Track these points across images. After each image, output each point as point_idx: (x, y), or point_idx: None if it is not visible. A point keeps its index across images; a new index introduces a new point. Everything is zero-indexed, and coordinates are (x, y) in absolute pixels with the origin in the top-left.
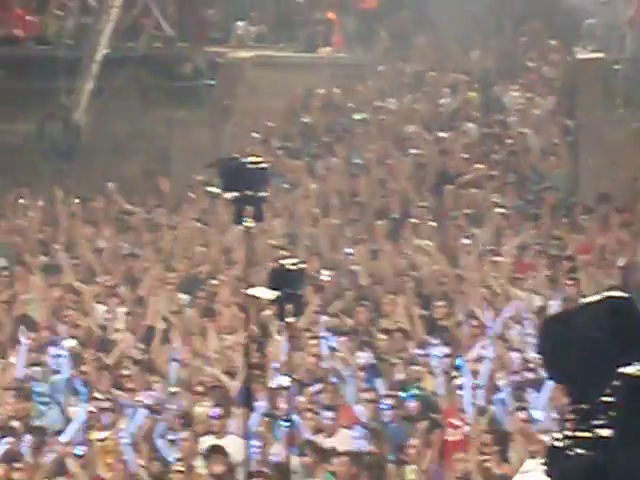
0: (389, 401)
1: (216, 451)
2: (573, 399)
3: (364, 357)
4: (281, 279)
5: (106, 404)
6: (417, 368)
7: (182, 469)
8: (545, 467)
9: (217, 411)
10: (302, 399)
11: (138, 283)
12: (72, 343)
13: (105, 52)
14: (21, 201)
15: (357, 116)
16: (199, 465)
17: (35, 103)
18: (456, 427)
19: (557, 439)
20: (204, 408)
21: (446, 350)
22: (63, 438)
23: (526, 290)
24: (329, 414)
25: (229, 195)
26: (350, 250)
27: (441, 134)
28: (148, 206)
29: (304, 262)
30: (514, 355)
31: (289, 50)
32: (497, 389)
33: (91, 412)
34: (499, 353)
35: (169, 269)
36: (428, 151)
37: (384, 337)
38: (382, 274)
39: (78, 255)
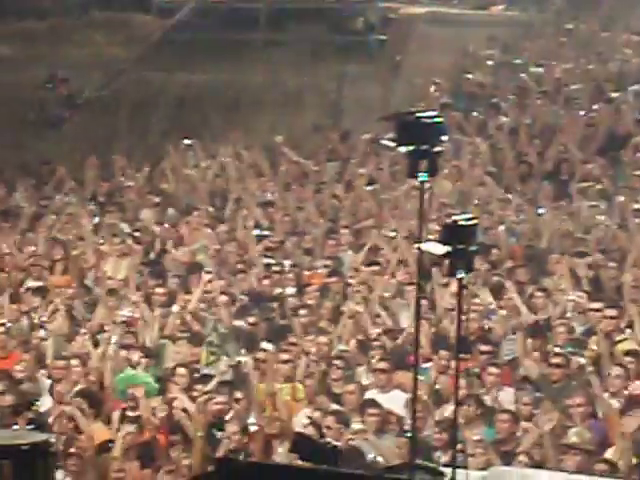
0: (556, 360)
1: (370, 405)
2: None
3: (525, 316)
4: (454, 234)
5: (270, 356)
6: (582, 328)
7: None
8: None
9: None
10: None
11: (302, 237)
12: (240, 295)
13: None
14: (191, 153)
15: (529, 75)
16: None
17: (213, 55)
18: None
19: None
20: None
21: (612, 312)
22: (210, 386)
23: None
24: (494, 370)
25: (404, 149)
26: (518, 210)
27: (613, 95)
28: (317, 160)
29: (477, 218)
30: None
31: (460, 7)
32: None
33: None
34: None
35: (334, 224)
36: (599, 112)
37: (543, 295)
38: (549, 235)
39: (244, 207)
